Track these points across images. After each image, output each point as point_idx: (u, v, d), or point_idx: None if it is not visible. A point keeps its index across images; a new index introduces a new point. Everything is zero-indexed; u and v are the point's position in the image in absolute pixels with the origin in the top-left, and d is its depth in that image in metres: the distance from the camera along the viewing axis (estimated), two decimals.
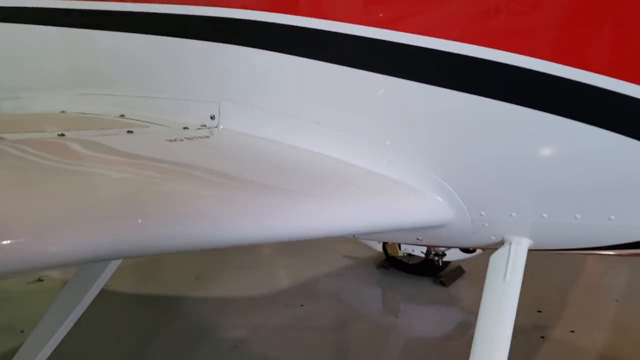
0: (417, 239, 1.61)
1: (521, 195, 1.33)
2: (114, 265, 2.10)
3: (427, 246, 1.77)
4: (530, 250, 1.39)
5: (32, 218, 0.89)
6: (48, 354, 2.02)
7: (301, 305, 3.60)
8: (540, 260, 4.22)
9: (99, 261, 1.07)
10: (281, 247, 4.78)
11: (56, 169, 1.03)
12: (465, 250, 3.74)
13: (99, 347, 3.16)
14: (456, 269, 4.06)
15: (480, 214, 1.40)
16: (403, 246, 3.94)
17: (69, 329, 2.08)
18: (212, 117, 1.60)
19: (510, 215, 1.36)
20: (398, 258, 4.08)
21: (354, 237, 1.71)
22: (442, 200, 1.40)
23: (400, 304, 3.66)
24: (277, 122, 1.53)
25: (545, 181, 1.28)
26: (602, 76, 1.11)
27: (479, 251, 3.77)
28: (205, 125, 1.60)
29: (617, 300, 3.59)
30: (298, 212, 1.17)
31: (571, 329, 3.23)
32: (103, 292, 3.80)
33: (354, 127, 1.45)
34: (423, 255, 3.94)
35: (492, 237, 1.45)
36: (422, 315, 3.51)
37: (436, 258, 1.82)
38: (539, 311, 3.46)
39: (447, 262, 4.00)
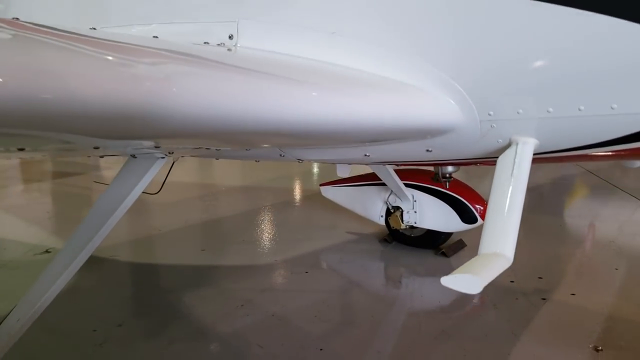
0: (427, 150, 1.67)
1: (528, 90, 1.40)
2: (112, 222, 2.14)
3: (436, 164, 1.82)
4: (536, 158, 1.45)
5: (74, 70, 0.95)
6: (49, 302, 2.07)
7: (306, 272, 3.66)
8: (541, 232, 4.30)
9: (129, 133, 1.11)
10: (286, 224, 4.84)
11: (92, 44, 1.10)
12: (466, 220, 3.82)
13: (110, 305, 3.21)
14: (457, 242, 4.13)
15: (489, 114, 1.47)
16: (405, 218, 4.02)
17: (70, 277, 2.12)
18: (231, 37, 1.67)
19: (517, 113, 1.42)
20: (400, 231, 4.14)
21: (366, 155, 1.77)
22: (452, 101, 1.47)
23: (402, 273, 3.71)
24: (294, 36, 1.60)
25: (551, 74, 1.35)
26: None
27: (480, 222, 3.85)
28: (224, 44, 1.67)
29: (616, 269, 3.65)
30: (316, 100, 1.23)
31: (572, 292, 3.28)
32: (111, 262, 3.89)
33: (368, 34, 1.51)
34: (425, 229, 4.02)
35: (500, 140, 1.51)
36: (423, 283, 3.56)
37: (444, 179, 1.88)
38: (540, 277, 3.52)
39: (449, 234, 4.07)
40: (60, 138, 1.07)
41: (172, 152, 1.73)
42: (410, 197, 3.96)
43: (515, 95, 1.42)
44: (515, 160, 1.41)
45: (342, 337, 2.82)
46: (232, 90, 1.14)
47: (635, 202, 5.40)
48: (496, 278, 3.66)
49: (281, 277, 3.62)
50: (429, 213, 3.95)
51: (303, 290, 3.41)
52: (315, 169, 7.22)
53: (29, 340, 2.76)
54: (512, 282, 3.46)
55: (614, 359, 2.55)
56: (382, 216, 4.19)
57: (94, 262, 3.95)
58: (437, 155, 1.69)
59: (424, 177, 4.03)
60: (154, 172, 2.23)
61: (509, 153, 1.45)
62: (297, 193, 6.05)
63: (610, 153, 1.48)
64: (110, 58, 1.02)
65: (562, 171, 7.06)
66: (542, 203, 5.38)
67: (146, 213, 5.41)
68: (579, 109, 1.35)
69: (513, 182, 1.38)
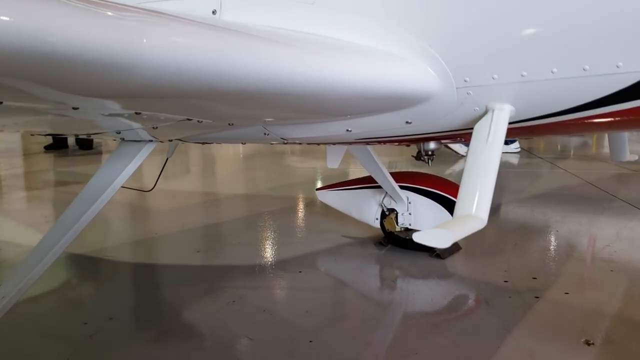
0: (407, 122, 1.69)
1: (501, 54, 1.42)
2: (100, 203, 2.17)
3: (417, 139, 1.82)
4: (515, 127, 1.46)
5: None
6: (34, 279, 2.08)
7: (300, 272, 3.65)
8: (537, 237, 4.28)
9: (97, 86, 1.12)
10: (283, 228, 4.85)
11: None
12: None
13: (101, 301, 3.22)
14: (452, 245, 4.10)
15: (465, 80, 1.49)
16: (400, 220, 4.02)
17: (57, 255, 2.13)
18: (214, 12, 1.70)
19: (492, 78, 1.44)
20: (395, 233, 4.13)
21: (348, 130, 1.79)
22: (429, 68, 1.49)
23: (396, 273, 3.69)
24: (276, 8, 1.63)
25: (523, 36, 1.37)
26: None
27: None
28: None
29: (611, 271, 3.63)
30: (293, 58, 1.25)
31: (565, 292, 3.26)
32: (105, 261, 3.90)
33: (347, 3, 1.54)
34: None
35: (477, 108, 1.53)
36: (417, 283, 3.53)
37: (426, 157, 1.87)
38: (534, 278, 3.50)
39: None
40: (27, 88, 1.08)
41: (157, 128, 1.75)
42: (405, 199, 3.97)
43: (489, 60, 1.44)
44: (491, 126, 1.43)
45: (332, 330, 2.81)
46: (206, 43, 1.16)
47: (633, 210, 5.38)
48: (490, 277, 3.66)
49: (274, 276, 3.61)
50: (424, 215, 3.96)
51: (295, 288, 3.41)
52: (318, 181, 7.23)
53: (19, 330, 2.77)
54: (506, 281, 3.45)
55: (605, 352, 2.53)
56: (377, 219, 4.19)
57: (87, 261, 3.97)
58: (417, 127, 1.70)
59: (419, 179, 4.05)
60: (143, 156, 2.27)
61: (484, 120, 1.46)
62: (296, 200, 6.06)
63: (586, 120, 1.49)
64: (79, 5, 1.03)
65: (561, 181, 7.05)
66: (539, 210, 5.36)
67: (143, 219, 5.44)
68: (552, 72, 1.37)
69: (488, 148, 1.39)
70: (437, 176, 4.16)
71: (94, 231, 4.76)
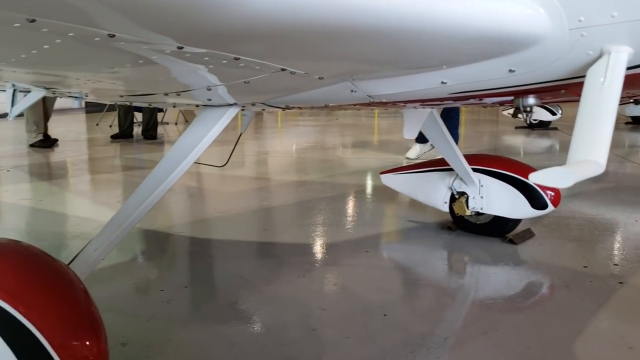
0: (510, 71, 1.60)
1: None
2: (185, 166, 2.18)
3: (518, 92, 1.72)
4: (629, 70, 1.35)
5: None
6: (124, 234, 2.10)
7: (367, 252, 3.62)
8: (615, 226, 4.06)
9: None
10: (345, 211, 4.82)
11: None
12: (536, 206, 3.66)
13: (176, 271, 3.29)
14: (526, 231, 3.96)
15: (579, 20, 1.39)
16: (471, 204, 3.89)
17: (143, 214, 2.16)
18: None
19: (612, 16, 1.34)
20: (465, 218, 4.01)
21: (443, 82, 1.72)
22: (539, 6, 1.40)
23: (467, 257, 3.59)
24: None
25: None
26: None
27: (551, 208, 3.67)
28: None
29: None
30: None
31: None
32: (178, 237, 3.98)
33: None
34: (492, 215, 3.88)
35: (590, 52, 1.43)
36: (489, 267, 3.42)
37: (525, 114, 1.76)
38: (615, 264, 3.33)
39: (518, 221, 3.90)
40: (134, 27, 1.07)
41: (248, 82, 1.75)
42: (477, 182, 3.85)
43: None
44: (608, 68, 1.33)
45: (405, 306, 2.76)
46: None
47: None
48: (567, 263, 3.49)
49: (342, 254, 3.59)
50: (497, 198, 3.81)
51: (364, 265, 3.37)
52: (372, 171, 7.15)
53: (101, 296, 2.86)
54: (585, 267, 3.29)
55: None
56: (446, 202, 4.07)
57: (160, 237, 4.07)
58: (520, 77, 1.61)
59: (492, 161, 3.92)
60: (226, 121, 2.29)
61: (600, 63, 1.36)
62: (354, 187, 6.02)
63: None
64: None
65: (635, 174, 6.69)
66: (614, 200, 5.10)
67: (209, 200, 5.54)
68: None
69: (605, 90, 1.30)
70: (510, 158, 4.01)
71: (162, 211, 4.89)
